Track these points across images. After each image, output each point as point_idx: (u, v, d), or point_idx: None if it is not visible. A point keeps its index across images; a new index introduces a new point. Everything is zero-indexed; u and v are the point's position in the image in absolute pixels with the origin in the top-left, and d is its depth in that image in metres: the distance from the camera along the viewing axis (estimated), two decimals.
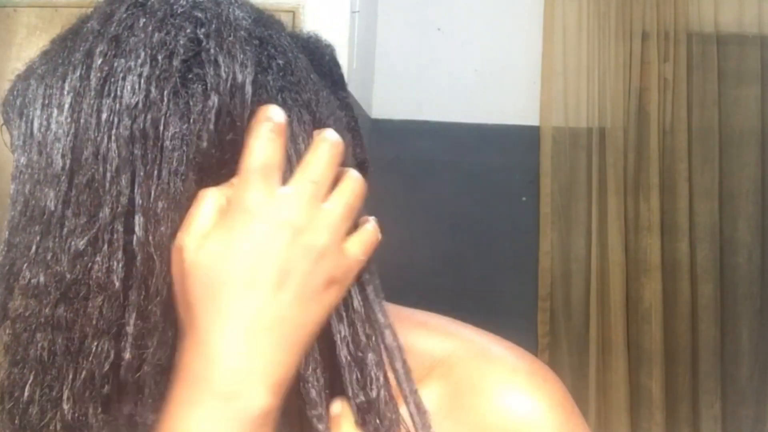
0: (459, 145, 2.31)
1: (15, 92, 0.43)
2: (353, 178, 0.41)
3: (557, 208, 2.25)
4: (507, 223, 2.31)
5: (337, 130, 0.44)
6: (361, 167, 0.51)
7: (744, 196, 2.20)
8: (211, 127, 0.38)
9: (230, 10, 0.42)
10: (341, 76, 0.52)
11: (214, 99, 0.38)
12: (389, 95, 2.34)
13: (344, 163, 0.43)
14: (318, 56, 0.50)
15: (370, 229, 0.41)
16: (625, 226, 2.20)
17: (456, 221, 2.30)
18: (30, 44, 1.86)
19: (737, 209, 2.21)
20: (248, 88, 0.39)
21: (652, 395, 2.14)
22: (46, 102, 0.40)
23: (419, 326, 0.50)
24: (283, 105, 0.41)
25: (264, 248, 0.36)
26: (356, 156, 0.50)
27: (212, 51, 0.39)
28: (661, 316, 2.16)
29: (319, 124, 0.43)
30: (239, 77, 0.39)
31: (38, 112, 0.40)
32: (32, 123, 0.40)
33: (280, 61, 0.43)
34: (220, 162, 0.38)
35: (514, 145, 2.30)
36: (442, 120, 2.33)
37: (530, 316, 2.24)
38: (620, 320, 2.17)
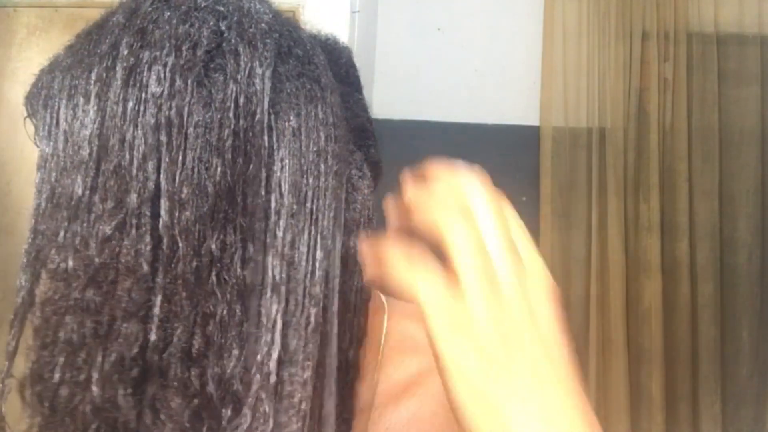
0: (459, 145, 2.31)
1: (39, 85, 0.44)
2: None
3: (557, 208, 2.25)
4: None
5: (351, 125, 0.45)
6: (375, 168, 0.51)
7: (744, 196, 2.20)
8: (230, 114, 0.39)
9: (251, 4, 0.43)
10: (357, 78, 0.53)
11: (233, 87, 0.39)
12: (389, 95, 2.34)
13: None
14: (335, 57, 0.51)
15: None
16: (625, 226, 2.20)
17: None
18: (30, 44, 1.86)
19: (737, 209, 2.21)
20: (267, 78, 0.40)
21: (652, 395, 2.14)
22: (72, 92, 0.41)
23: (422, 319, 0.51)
24: (302, 88, 0.42)
25: None
26: (371, 156, 0.51)
27: (233, 41, 0.41)
28: (661, 316, 2.16)
29: (338, 111, 0.44)
30: (258, 67, 0.40)
31: (64, 102, 0.41)
32: (58, 113, 0.41)
33: (300, 51, 0.44)
34: (242, 152, 0.39)
35: (514, 145, 2.30)
36: (442, 120, 2.33)
37: None
38: (620, 320, 2.17)
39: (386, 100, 2.33)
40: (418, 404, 0.47)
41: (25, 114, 0.45)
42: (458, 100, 2.33)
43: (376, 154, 0.52)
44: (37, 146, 0.43)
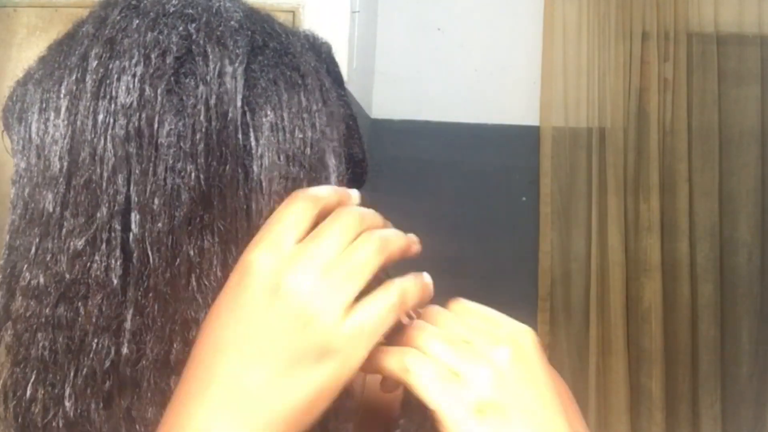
0: (459, 145, 2.31)
1: (14, 98, 0.43)
2: (371, 237, 0.36)
3: (557, 208, 2.25)
4: (507, 223, 2.30)
5: (335, 116, 0.44)
6: (359, 166, 0.51)
7: (744, 196, 2.20)
8: (201, 117, 0.38)
9: (221, 3, 0.43)
10: (339, 74, 0.52)
11: (203, 89, 0.38)
12: (389, 95, 2.34)
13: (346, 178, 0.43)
14: (314, 54, 0.50)
15: (388, 297, 0.35)
16: (625, 226, 2.20)
17: (456, 221, 2.30)
18: (30, 44, 1.85)
19: (737, 209, 2.21)
20: (239, 75, 0.39)
21: (652, 395, 2.14)
22: (44, 106, 0.40)
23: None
24: (280, 78, 0.41)
25: (240, 314, 0.35)
26: (354, 155, 0.50)
27: (201, 42, 0.40)
28: (661, 316, 2.16)
29: (320, 100, 0.43)
30: (227, 65, 0.39)
31: (36, 117, 0.40)
32: (30, 127, 0.41)
33: (276, 44, 0.43)
34: (216, 153, 0.38)
35: (514, 145, 2.30)
36: (442, 120, 2.33)
37: (530, 316, 2.24)
38: (620, 320, 2.17)
39: (386, 100, 2.34)
40: None
41: (1, 128, 0.44)
42: (458, 100, 2.33)
43: (360, 152, 0.51)
44: (13, 159, 0.42)
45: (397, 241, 0.37)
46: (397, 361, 0.36)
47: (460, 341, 0.37)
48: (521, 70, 2.32)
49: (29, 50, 1.84)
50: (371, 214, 0.38)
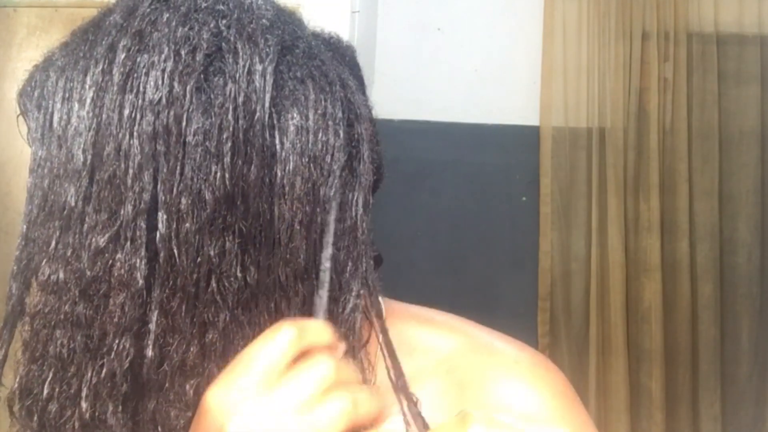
0: (459, 145, 2.31)
1: (33, 83, 0.42)
2: (341, 398, 0.34)
3: (557, 208, 2.25)
4: (507, 223, 2.30)
5: (361, 119, 0.44)
6: (376, 172, 0.50)
7: (744, 196, 2.20)
8: (229, 116, 0.37)
9: (253, 0, 0.42)
10: (361, 78, 0.52)
11: (231, 87, 0.38)
12: (389, 95, 2.34)
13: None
14: (338, 56, 0.50)
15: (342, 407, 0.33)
16: (625, 226, 2.20)
17: (456, 221, 2.30)
18: (30, 44, 1.85)
19: (737, 209, 2.20)
20: (269, 74, 0.39)
21: (652, 395, 2.14)
22: (67, 95, 0.39)
23: (425, 323, 0.51)
24: (308, 82, 0.41)
25: None
26: (373, 162, 0.50)
27: (232, 39, 0.39)
28: (661, 316, 2.16)
29: (345, 104, 0.43)
30: (257, 64, 0.38)
31: (58, 105, 0.39)
32: (51, 116, 0.39)
33: (304, 47, 0.43)
34: (241, 154, 0.38)
35: (514, 145, 2.30)
36: (442, 120, 2.33)
37: (530, 316, 2.24)
38: (620, 320, 2.17)
39: (386, 100, 2.33)
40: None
41: (18, 111, 0.43)
42: (458, 100, 2.33)
43: (378, 158, 0.50)
44: (30, 146, 0.41)
45: (368, 408, 0.34)
46: None
47: None
48: (521, 70, 2.32)
49: (29, 50, 1.84)
50: (349, 370, 0.36)
